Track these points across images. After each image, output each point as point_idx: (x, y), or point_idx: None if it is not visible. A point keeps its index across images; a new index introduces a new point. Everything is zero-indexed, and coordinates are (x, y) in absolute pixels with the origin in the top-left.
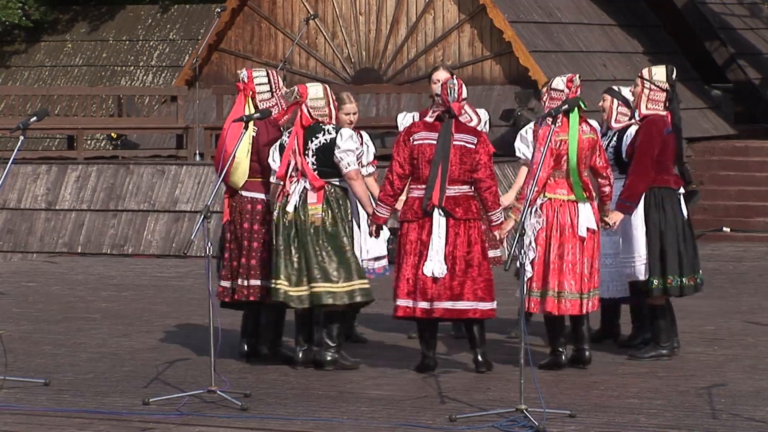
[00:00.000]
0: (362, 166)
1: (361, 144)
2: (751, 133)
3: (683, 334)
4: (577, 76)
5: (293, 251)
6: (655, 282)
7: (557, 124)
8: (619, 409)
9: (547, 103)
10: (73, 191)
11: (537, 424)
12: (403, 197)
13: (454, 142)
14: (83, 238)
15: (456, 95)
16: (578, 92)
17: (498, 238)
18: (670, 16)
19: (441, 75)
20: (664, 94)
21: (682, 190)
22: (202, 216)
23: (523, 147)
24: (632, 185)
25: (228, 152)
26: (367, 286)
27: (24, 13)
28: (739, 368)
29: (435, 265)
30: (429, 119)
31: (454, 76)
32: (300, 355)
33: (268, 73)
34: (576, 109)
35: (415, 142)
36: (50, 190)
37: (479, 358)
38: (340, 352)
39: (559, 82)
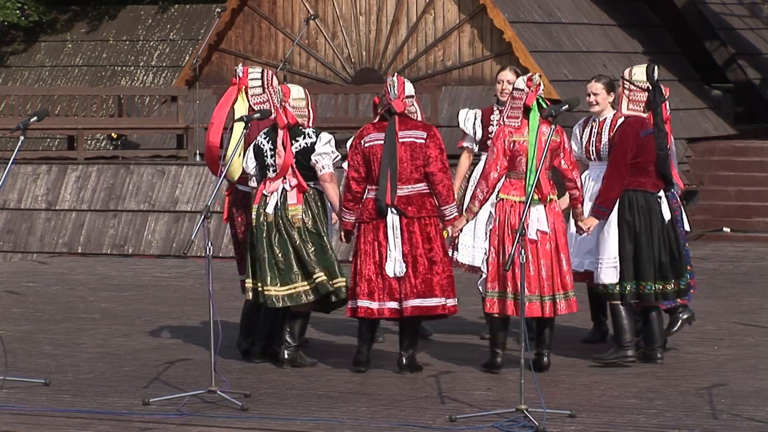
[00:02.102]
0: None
1: None
2: (751, 133)
3: (684, 334)
4: (537, 75)
5: (276, 252)
6: (628, 287)
7: (516, 124)
8: (619, 409)
9: (510, 104)
10: (73, 191)
11: (537, 424)
12: None
13: (401, 140)
14: (83, 238)
15: (396, 92)
16: (539, 91)
17: (450, 234)
18: (670, 16)
19: (506, 75)
20: (645, 94)
21: (662, 193)
22: (203, 216)
23: (574, 145)
24: (606, 190)
25: (211, 143)
26: (343, 283)
27: (23, 13)
28: (739, 368)
29: (395, 265)
30: (375, 120)
31: (518, 75)
32: (286, 354)
33: (262, 71)
34: (536, 111)
35: (365, 145)
36: (50, 190)
37: (404, 360)
38: (298, 351)
39: (520, 82)
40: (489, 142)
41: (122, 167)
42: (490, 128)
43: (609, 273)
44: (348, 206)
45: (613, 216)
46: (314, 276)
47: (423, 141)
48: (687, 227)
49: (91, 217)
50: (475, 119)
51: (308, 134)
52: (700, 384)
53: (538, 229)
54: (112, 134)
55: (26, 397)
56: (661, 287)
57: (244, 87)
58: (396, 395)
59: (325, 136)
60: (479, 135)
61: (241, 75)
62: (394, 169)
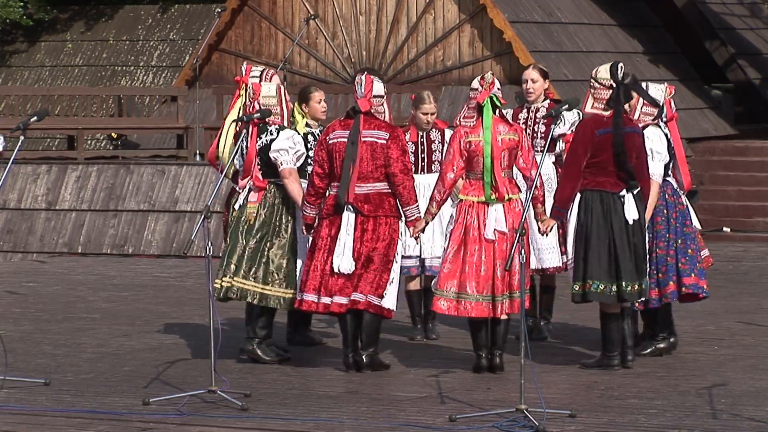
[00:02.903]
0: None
1: (442, 142)
2: (751, 133)
3: (684, 334)
4: (489, 73)
5: (228, 244)
6: (576, 287)
7: (471, 124)
8: (619, 409)
9: (466, 104)
10: (73, 191)
11: (537, 424)
12: None
13: (363, 139)
14: (83, 238)
15: (363, 91)
16: (492, 90)
17: (411, 235)
18: (670, 16)
19: (530, 74)
20: (609, 92)
21: (623, 192)
22: (203, 216)
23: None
24: (559, 190)
25: (215, 148)
26: (285, 295)
27: (25, 12)
28: (739, 368)
29: (342, 261)
30: (342, 117)
31: (542, 73)
32: (248, 347)
33: (262, 70)
34: (489, 109)
35: (330, 141)
36: (50, 190)
37: (364, 359)
38: (261, 345)
39: (474, 82)
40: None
41: (122, 167)
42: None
43: (544, 256)
44: (310, 201)
45: (573, 216)
46: (251, 278)
47: (384, 141)
48: (697, 224)
49: (91, 217)
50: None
51: (271, 131)
52: (700, 384)
53: (495, 229)
54: (112, 134)
55: (26, 397)
56: (624, 288)
57: (245, 84)
58: (396, 395)
59: (285, 132)
60: None
61: (243, 73)
62: (347, 167)
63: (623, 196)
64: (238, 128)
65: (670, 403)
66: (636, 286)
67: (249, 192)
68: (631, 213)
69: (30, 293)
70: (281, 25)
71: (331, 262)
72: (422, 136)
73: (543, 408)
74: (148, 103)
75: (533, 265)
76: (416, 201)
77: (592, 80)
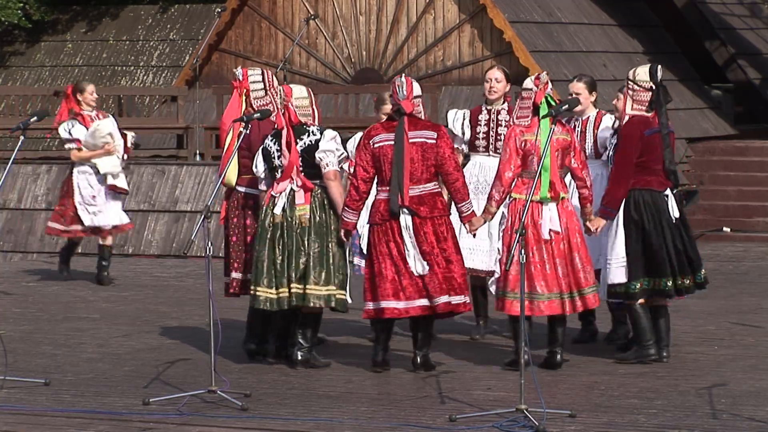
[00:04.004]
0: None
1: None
2: (751, 133)
3: (683, 334)
4: (544, 73)
5: (277, 253)
6: (638, 284)
7: (526, 123)
8: (619, 409)
9: (518, 104)
10: None
11: (537, 424)
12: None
13: (412, 140)
14: (83, 238)
15: (405, 93)
16: (547, 89)
17: (468, 231)
18: (670, 16)
19: (493, 73)
20: (649, 94)
21: (668, 192)
22: (203, 216)
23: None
24: (611, 191)
25: (230, 152)
26: (343, 296)
27: (24, 14)
28: (739, 368)
29: (416, 263)
30: (383, 120)
31: (505, 74)
32: (299, 355)
33: (262, 72)
34: (545, 107)
35: (375, 145)
36: (50, 190)
37: (419, 359)
38: (312, 352)
39: (528, 81)
40: (477, 143)
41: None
42: (478, 128)
43: (618, 273)
44: (352, 206)
45: (620, 216)
46: (316, 284)
47: (434, 141)
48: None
49: None
50: (464, 119)
51: (312, 132)
52: (700, 384)
53: (550, 229)
54: None
55: (26, 397)
56: (680, 282)
57: (245, 90)
58: (396, 395)
59: (329, 133)
60: (467, 135)
61: (240, 78)
62: (401, 170)
63: (667, 195)
64: (242, 128)
65: (670, 403)
66: (689, 280)
67: (290, 194)
68: (675, 210)
69: (30, 293)
70: (281, 25)
71: (403, 267)
72: None
73: (543, 408)
74: (148, 103)
75: (471, 265)
76: (469, 197)
77: (630, 82)
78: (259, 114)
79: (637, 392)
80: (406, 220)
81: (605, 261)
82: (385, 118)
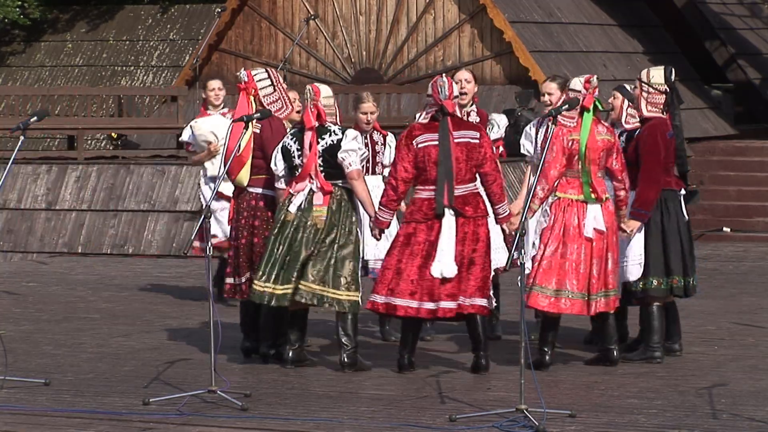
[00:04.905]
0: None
1: (384, 144)
2: (751, 133)
3: (684, 334)
4: (595, 77)
5: (281, 249)
6: (655, 282)
7: (572, 124)
8: (619, 409)
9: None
10: (73, 191)
11: (537, 424)
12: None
13: (457, 140)
14: (83, 238)
15: (447, 93)
16: (596, 93)
17: (509, 230)
18: (670, 16)
19: (462, 74)
20: (663, 96)
21: (683, 192)
22: (203, 216)
23: (527, 144)
24: (644, 192)
25: (230, 152)
26: (356, 299)
27: (23, 12)
28: (739, 368)
29: (444, 266)
30: (424, 120)
31: (473, 75)
32: (290, 354)
33: (267, 71)
34: (592, 112)
35: (419, 146)
36: (50, 190)
37: (482, 361)
38: (356, 353)
39: (576, 83)
40: None
41: (122, 167)
42: None
43: (634, 270)
44: (390, 206)
45: None
46: (329, 286)
47: (477, 141)
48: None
49: (91, 217)
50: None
51: (334, 131)
52: (700, 384)
53: (594, 228)
54: (112, 134)
55: (26, 397)
56: (690, 282)
57: (253, 90)
58: (396, 395)
59: (351, 132)
60: None
61: (246, 79)
62: (450, 170)
63: (681, 195)
64: (259, 127)
65: (670, 403)
66: (694, 281)
67: (309, 194)
68: (685, 211)
69: (30, 293)
70: (281, 25)
71: (428, 268)
72: (365, 138)
73: (543, 408)
74: (148, 103)
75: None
76: (506, 198)
77: (645, 84)
78: (258, 114)
79: (637, 392)
80: (450, 220)
81: (622, 259)
82: (364, 117)
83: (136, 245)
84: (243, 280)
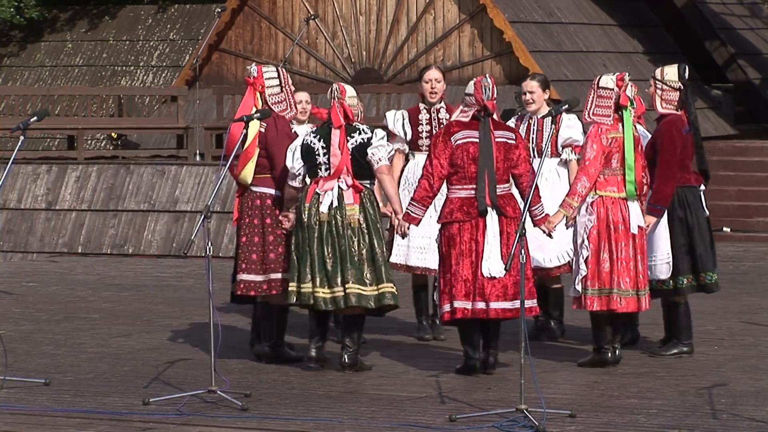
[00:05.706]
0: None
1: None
2: (751, 133)
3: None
4: (627, 74)
5: (327, 252)
6: (685, 280)
7: (609, 122)
8: (619, 409)
9: (595, 102)
10: (73, 191)
11: (537, 424)
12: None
13: (497, 140)
14: (83, 238)
15: (490, 94)
16: (630, 90)
17: (546, 231)
18: (670, 16)
19: (432, 74)
20: (678, 93)
21: (702, 188)
22: (203, 216)
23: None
24: (661, 188)
25: (230, 150)
26: (394, 290)
27: (17, 12)
28: (740, 368)
29: (492, 265)
30: (464, 119)
31: (442, 73)
32: (313, 352)
33: (277, 70)
34: (629, 107)
35: (457, 143)
36: (50, 190)
37: (491, 359)
38: (358, 354)
39: (608, 81)
40: (420, 142)
41: (122, 167)
42: (420, 128)
43: (663, 269)
44: (424, 202)
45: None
46: (370, 284)
47: (513, 141)
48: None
49: (91, 217)
50: (404, 119)
51: (363, 130)
52: (700, 384)
53: (638, 225)
54: (112, 134)
55: (26, 397)
56: (713, 277)
57: (261, 87)
58: (396, 395)
59: (380, 131)
60: (409, 135)
61: (255, 75)
62: (492, 168)
63: (702, 191)
64: (264, 126)
65: (670, 403)
66: (717, 276)
67: (339, 193)
68: (705, 207)
69: (30, 293)
70: (281, 25)
71: (477, 267)
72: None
73: (543, 408)
74: (148, 103)
75: (401, 261)
76: (541, 200)
77: (659, 82)
78: (258, 114)
79: (637, 392)
80: (494, 219)
81: (649, 259)
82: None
83: (136, 245)
84: (257, 278)
